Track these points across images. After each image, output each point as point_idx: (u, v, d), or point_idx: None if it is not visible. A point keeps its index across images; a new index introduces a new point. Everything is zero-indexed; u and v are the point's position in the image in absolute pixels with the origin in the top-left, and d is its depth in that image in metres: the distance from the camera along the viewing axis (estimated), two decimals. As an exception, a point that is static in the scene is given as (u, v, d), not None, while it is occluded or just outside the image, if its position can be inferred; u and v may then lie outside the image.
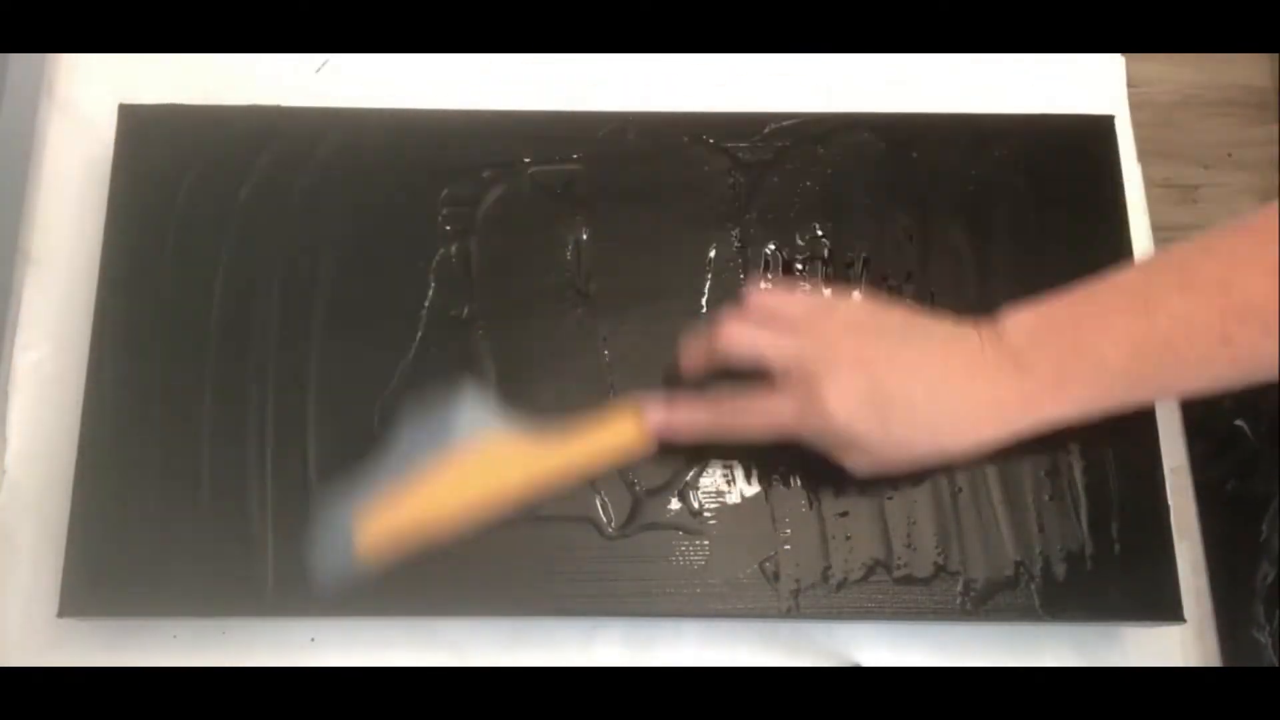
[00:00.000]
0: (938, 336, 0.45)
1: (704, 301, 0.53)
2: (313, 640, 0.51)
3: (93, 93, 0.59)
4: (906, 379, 0.44)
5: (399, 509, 0.47)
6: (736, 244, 0.54)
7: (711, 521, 0.50)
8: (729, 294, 0.53)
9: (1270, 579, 0.55)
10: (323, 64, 0.61)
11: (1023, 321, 0.44)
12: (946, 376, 0.44)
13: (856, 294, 0.47)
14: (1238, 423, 0.59)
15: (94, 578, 0.48)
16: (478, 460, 0.47)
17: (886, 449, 0.45)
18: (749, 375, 0.46)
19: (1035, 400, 0.44)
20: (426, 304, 0.52)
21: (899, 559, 0.49)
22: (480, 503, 0.47)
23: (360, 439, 0.50)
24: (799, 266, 0.54)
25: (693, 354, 0.48)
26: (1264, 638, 0.54)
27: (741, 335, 0.46)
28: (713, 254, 0.54)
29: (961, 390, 0.44)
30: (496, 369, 0.51)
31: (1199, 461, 0.55)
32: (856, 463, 0.46)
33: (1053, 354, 0.43)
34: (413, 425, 0.49)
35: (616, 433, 0.47)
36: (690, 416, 0.47)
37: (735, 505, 0.50)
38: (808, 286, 0.53)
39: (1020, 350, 0.44)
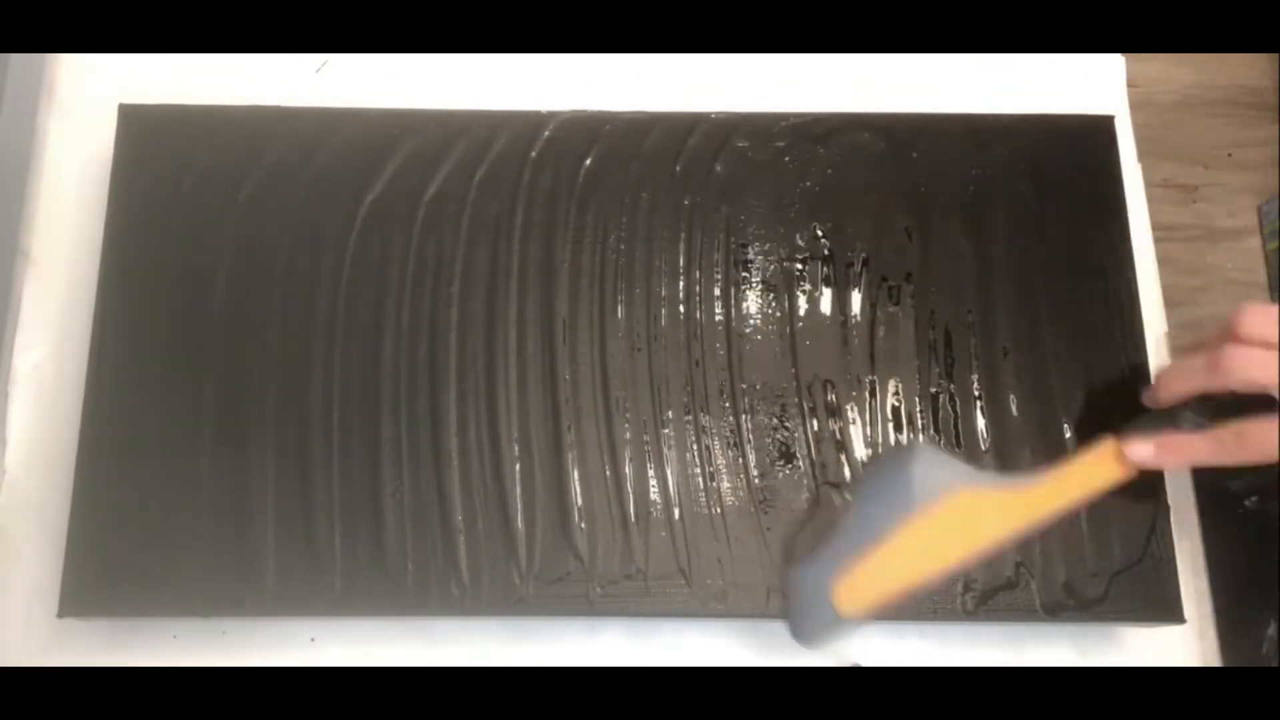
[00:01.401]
0: None
1: (704, 300, 0.53)
2: (313, 640, 0.51)
3: (93, 93, 0.59)
4: None
5: (879, 569, 0.46)
6: (736, 244, 0.54)
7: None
8: (728, 294, 0.53)
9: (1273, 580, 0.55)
10: (323, 64, 0.61)
11: None
12: None
13: None
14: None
15: (94, 578, 0.48)
16: (956, 516, 0.46)
17: None
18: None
19: None
20: (428, 302, 0.52)
21: (899, 559, 0.49)
22: (963, 555, 0.46)
23: (363, 437, 0.50)
24: (799, 266, 0.54)
25: (1174, 382, 0.46)
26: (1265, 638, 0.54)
27: (1248, 362, 0.44)
28: (714, 255, 0.54)
29: None
30: (497, 368, 0.51)
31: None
32: None
33: None
34: (877, 489, 0.47)
35: (1095, 472, 0.47)
36: (1186, 449, 0.46)
37: (736, 505, 0.50)
38: (808, 286, 0.53)
39: None
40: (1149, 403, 0.47)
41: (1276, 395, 0.43)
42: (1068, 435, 0.51)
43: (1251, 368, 0.44)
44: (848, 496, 0.49)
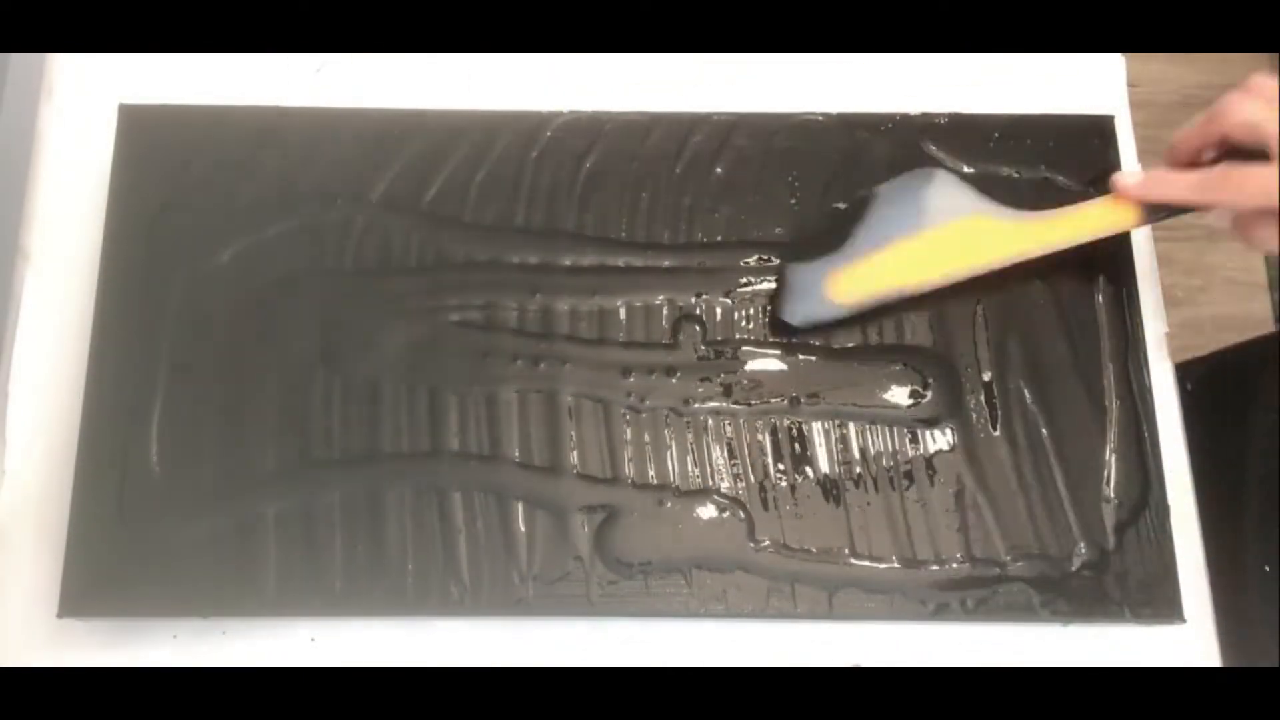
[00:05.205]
0: None
1: (702, 298, 0.53)
2: (313, 640, 0.51)
3: (93, 93, 0.59)
4: None
5: (878, 266, 0.46)
6: (736, 244, 0.54)
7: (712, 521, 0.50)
8: (730, 294, 0.53)
9: (1271, 577, 0.55)
10: (322, 64, 0.60)
11: None
12: None
13: None
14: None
15: (94, 578, 0.48)
16: (961, 234, 0.46)
17: None
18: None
19: None
20: (428, 302, 0.52)
21: (899, 559, 0.49)
22: (959, 270, 0.46)
23: (363, 437, 0.50)
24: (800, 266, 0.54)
25: (1186, 133, 0.48)
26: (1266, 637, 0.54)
27: (1244, 108, 0.46)
28: (715, 255, 0.54)
29: None
30: (498, 368, 0.51)
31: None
32: None
33: None
34: (890, 202, 0.48)
35: (1098, 213, 0.47)
36: (1172, 183, 0.47)
37: (735, 507, 0.50)
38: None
39: None
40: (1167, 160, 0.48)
41: (1273, 146, 0.44)
42: (1067, 433, 0.51)
43: (1245, 112, 0.45)
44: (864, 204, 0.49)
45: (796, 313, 0.48)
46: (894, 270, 0.46)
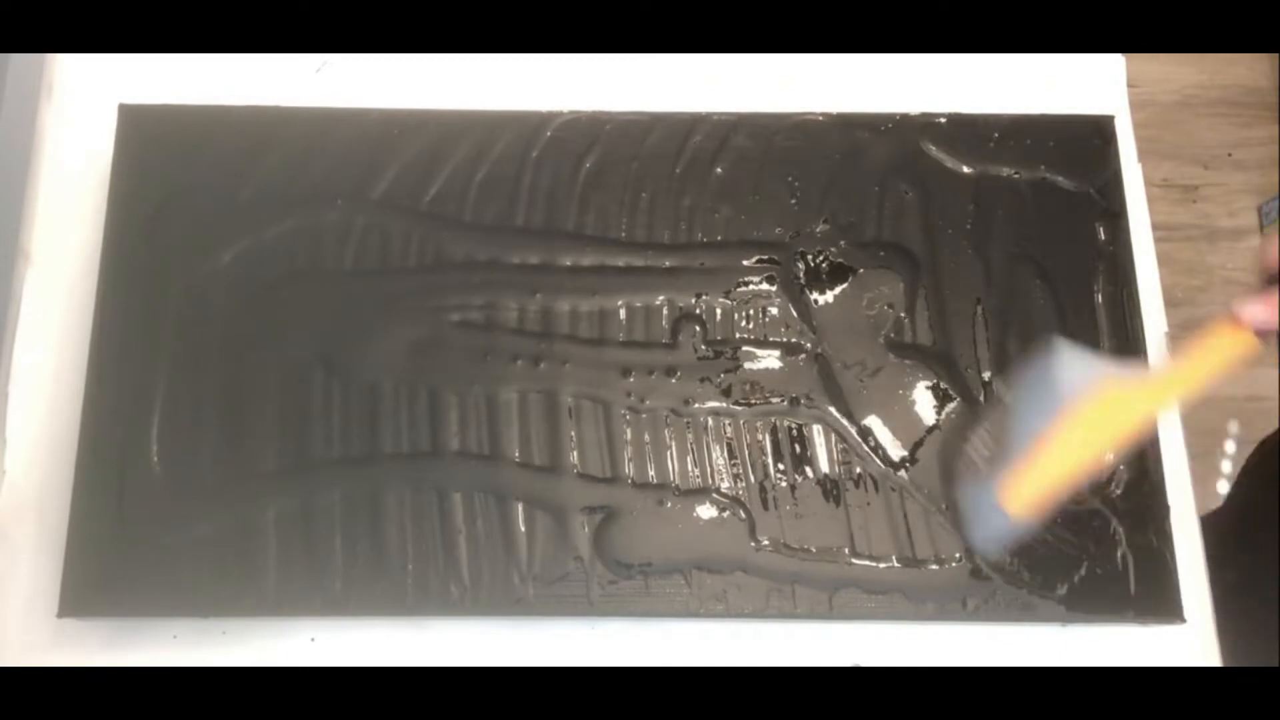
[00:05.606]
0: None
1: (702, 298, 0.53)
2: (313, 640, 0.51)
3: (93, 93, 0.59)
4: None
5: (1041, 469, 0.46)
6: (736, 244, 0.54)
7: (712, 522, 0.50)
8: (730, 294, 0.53)
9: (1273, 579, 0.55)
10: (322, 64, 0.61)
11: None
12: None
13: None
14: None
15: (94, 578, 0.48)
16: (1104, 408, 0.46)
17: None
18: None
19: None
20: (427, 300, 0.52)
21: (899, 559, 0.49)
22: (1114, 442, 0.46)
23: (363, 437, 0.50)
24: (800, 266, 0.54)
25: (1267, 247, 0.46)
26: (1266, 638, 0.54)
27: None
28: (715, 255, 0.54)
29: None
30: (498, 368, 0.51)
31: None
32: None
33: None
34: (1026, 394, 0.48)
35: (1220, 347, 0.46)
36: None
37: (735, 507, 0.50)
38: (810, 286, 0.53)
39: None
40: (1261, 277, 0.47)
41: None
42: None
43: None
44: (1001, 401, 0.50)
45: (987, 541, 0.49)
46: (1057, 465, 0.46)
